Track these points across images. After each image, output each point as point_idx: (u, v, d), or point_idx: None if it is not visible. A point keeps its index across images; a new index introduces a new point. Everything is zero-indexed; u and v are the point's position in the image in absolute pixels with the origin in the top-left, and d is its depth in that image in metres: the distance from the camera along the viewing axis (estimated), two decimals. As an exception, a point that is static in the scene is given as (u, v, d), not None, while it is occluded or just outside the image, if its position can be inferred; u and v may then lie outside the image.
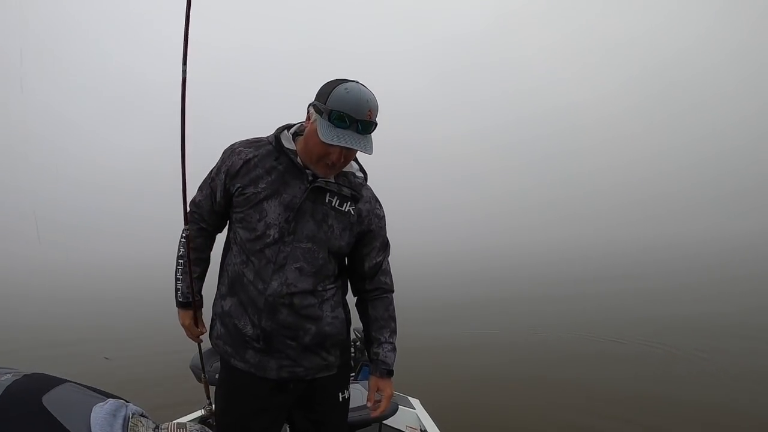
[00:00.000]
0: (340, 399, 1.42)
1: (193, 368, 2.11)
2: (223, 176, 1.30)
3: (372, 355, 1.41)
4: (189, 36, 1.07)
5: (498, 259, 26.26)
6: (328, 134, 1.15)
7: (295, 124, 1.33)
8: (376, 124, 1.19)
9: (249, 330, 1.28)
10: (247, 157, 1.28)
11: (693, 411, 3.84)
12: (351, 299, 1.47)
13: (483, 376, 5.39)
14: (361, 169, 1.40)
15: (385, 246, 1.44)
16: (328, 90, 1.17)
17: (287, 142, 1.29)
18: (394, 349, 1.41)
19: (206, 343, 2.37)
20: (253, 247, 1.26)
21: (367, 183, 1.40)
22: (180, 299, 1.44)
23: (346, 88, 1.16)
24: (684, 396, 4.23)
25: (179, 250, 1.42)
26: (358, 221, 1.34)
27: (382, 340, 1.40)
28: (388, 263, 1.46)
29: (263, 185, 1.26)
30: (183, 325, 1.47)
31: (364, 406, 1.97)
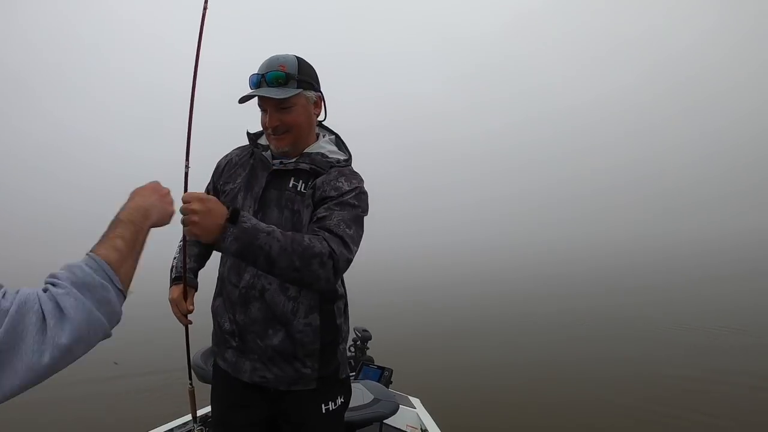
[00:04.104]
0: (324, 411, 1.28)
1: (192, 367, 2.10)
2: (214, 176, 1.40)
3: None
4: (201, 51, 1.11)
5: (511, 260, 26.09)
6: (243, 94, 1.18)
7: None
8: (288, 74, 1.17)
9: (227, 326, 1.28)
10: (230, 158, 1.37)
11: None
12: (352, 311, 1.39)
13: (486, 377, 5.36)
14: (343, 151, 1.32)
15: (342, 205, 1.16)
16: None
17: (262, 140, 1.32)
18: (252, 238, 0.99)
19: (207, 343, 2.39)
20: None
21: (351, 164, 1.28)
22: (173, 275, 1.34)
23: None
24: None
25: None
26: (313, 194, 1.21)
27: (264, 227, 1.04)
28: (343, 227, 1.12)
29: (239, 180, 1.31)
30: (171, 300, 1.29)
31: (365, 406, 1.97)
